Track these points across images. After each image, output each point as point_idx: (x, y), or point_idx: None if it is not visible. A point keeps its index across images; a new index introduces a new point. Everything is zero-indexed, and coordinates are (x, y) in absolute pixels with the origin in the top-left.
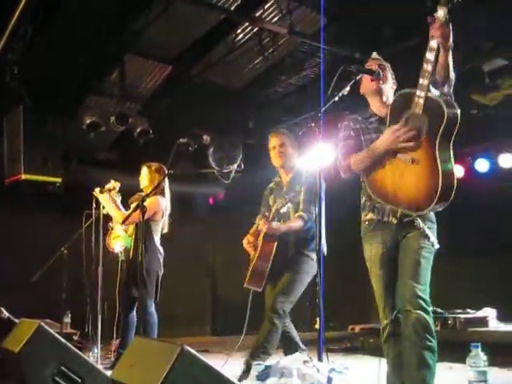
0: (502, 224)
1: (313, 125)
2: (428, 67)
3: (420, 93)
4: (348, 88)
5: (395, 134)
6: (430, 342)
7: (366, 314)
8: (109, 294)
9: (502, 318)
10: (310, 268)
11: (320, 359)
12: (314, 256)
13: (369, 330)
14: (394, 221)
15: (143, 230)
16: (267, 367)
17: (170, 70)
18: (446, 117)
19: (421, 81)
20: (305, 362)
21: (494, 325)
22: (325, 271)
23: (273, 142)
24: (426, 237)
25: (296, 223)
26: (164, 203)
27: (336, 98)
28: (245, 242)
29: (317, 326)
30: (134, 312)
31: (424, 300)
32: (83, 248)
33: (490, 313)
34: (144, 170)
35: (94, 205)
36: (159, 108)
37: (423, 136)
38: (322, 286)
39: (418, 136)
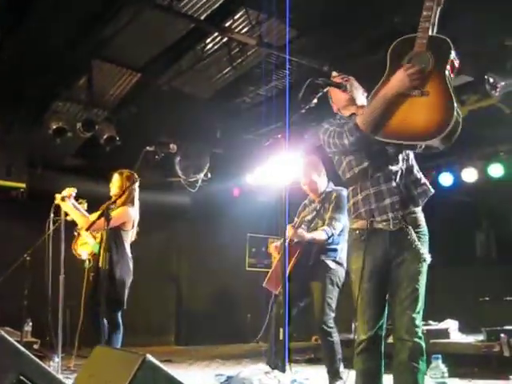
0: (464, 238)
1: (279, 136)
2: (428, 12)
3: (423, 34)
4: (315, 100)
5: (406, 73)
6: (423, 365)
7: None
8: (71, 302)
9: (463, 329)
10: (335, 276)
11: (283, 370)
12: (334, 264)
13: None
14: (388, 227)
15: (108, 239)
16: (229, 378)
17: (138, 78)
18: (452, 47)
19: (422, 24)
20: (266, 372)
21: (456, 336)
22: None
23: (301, 182)
24: (421, 258)
25: (319, 235)
26: (134, 213)
27: (303, 110)
28: (272, 246)
29: (281, 337)
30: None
31: (419, 327)
32: (46, 255)
33: (451, 324)
34: (115, 177)
35: (52, 212)
36: (127, 115)
37: (430, 70)
38: (286, 297)
39: (424, 71)
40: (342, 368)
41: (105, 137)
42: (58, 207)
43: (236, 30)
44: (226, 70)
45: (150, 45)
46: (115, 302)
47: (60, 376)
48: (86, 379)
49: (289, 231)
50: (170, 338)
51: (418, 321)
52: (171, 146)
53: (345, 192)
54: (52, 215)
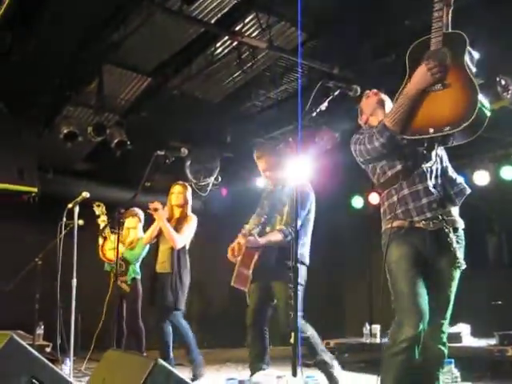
0: (476, 241)
1: (290, 139)
2: (439, 13)
3: (436, 33)
4: (326, 104)
5: (426, 68)
6: (441, 373)
7: (341, 329)
8: (82, 305)
9: (475, 333)
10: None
11: (294, 374)
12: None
13: (344, 345)
14: (427, 226)
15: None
16: (240, 382)
17: (148, 82)
18: (467, 40)
19: (435, 25)
20: (278, 377)
21: (468, 340)
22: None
23: (259, 165)
24: (457, 263)
25: (275, 236)
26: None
27: (314, 114)
28: (229, 251)
29: (292, 341)
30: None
31: (445, 333)
32: (57, 259)
33: (463, 328)
34: (178, 188)
35: (65, 216)
36: (137, 119)
37: (449, 63)
38: (296, 300)
39: (444, 66)
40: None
41: (115, 141)
42: (70, 211)
43: (246, 34)
44: (237, 74)
45: (160, 49)
46: (179, 305)
47: (72, 379)
48: (98, 382)
49: (240, 239)
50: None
51: (445, 327)
52: (182, 149)
53: (305, 187)
54: (64, 219)
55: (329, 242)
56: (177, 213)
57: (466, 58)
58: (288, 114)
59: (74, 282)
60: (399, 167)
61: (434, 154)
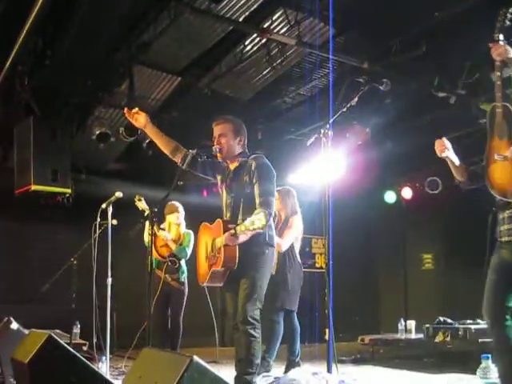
0: None
1: (321, 135)
2: (498, 82)
3: (497, 104)
4: (356, 99)
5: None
6: None
7: (376, 325)
8: (117, 304)
9: None
10: (265, 261)
11: (329, 371)
12: (267, 248)
13: (379, 341)
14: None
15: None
16: (276, 378)
17: (178, 82)
18: None
19: (496, 94)
20: (314, 373)
21: None
22: (334, 282)
23: (214, 131)
24: None
25: (260, 224)
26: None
27: (344, 109)
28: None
29: (326, 337)
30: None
31: None
32: (93, 259)
33: None
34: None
35: (99, 216)
36: (168, 119)
37: (506, 139)
38: (331, 297)
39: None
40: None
41: (147, 141)
42: (103, 211)
43: (275, 31)
44: (266, 71)
45: (190, 48)
46: (288, 306)
47: (109, 377)
48: (135, 380)
49: (224, 240)
50: (215, 338)
51: None
52: (213, 148)
53: (263, 158)
54: (98, 219)
55: (362, 237)
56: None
57: None
58: (318, 110)
59: (109, 281)
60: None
61: None
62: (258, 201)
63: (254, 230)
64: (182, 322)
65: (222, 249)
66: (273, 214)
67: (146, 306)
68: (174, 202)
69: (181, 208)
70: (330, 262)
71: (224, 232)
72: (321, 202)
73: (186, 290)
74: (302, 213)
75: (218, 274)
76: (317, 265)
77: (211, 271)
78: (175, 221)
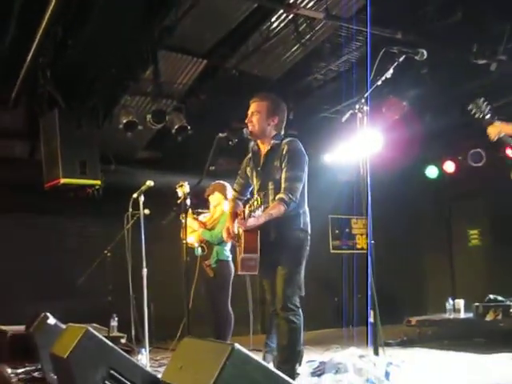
0: None
1: (357, 111)
2: None
3: None
4: (391, 71)
5: None
6: None
7: (423, 305)
8: (154, 295)
9: None
10: (301, 247)
11: (376, 353)
12: (300, 234)
13: (426, 322)
14: None
15: None
16: (321, 363)
17: (204, 64)
18: None
19: None
20: (361, 356)
21: None
22: (377, 262)
23: (250, 109)
24: None
25: (276, 209)
26: None
27: (379, 82)
28: (225, 233)
29: (371, 319)
30: None
31: None
32: (126, 250)
33: None
34: None
35: (131, 206)
36: (196, 103)
37: None
38: (371, 278)
39: None
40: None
41: (176, 127)
42: (135, 201)
43: (301, 5)
44: (295, 48)
45: (214, 30)
46: None
47: (149, 369)
48: (175, 371)
49: (238, 224)
50: (257, 326)
51: None
52: (244, 130)
53: (297, 143)
54: (130, 209)
55: (404, 215)
56: None
57: None
58: (352, 85)
59: (145, 271)
60: None
61: None
62: (282, 186)
63: (267, 215)
64: (226, 310)
65: (242, 234)
66: (296, 201)
67: (184, 296)
68: (219, 182)
69: (225, 189)
70: (371, 242)
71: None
72: (359, 181)
73: (226, 275)
74: (340, 192)
75: (246, 261)
76: (358, 246)
77: (239, 259)
78: (215, 201)
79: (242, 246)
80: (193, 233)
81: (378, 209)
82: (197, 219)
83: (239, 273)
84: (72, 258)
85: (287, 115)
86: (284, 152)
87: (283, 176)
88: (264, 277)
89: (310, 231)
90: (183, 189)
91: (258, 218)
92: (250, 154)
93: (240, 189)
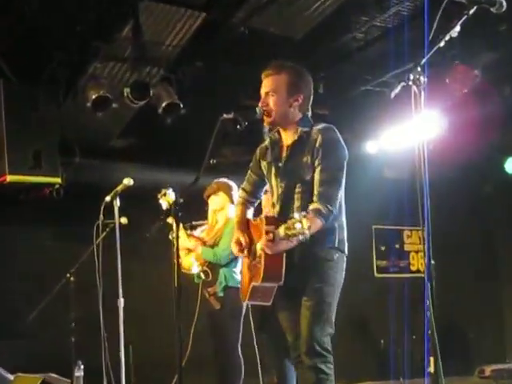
0: None
1: (411, 83)
2: None
3: None
4: (458, 28)
5: None
6: None
7: (501, 352)
8: (133, 333)
9: None
10: (335, 271)
11: None
12: (334, 254)
13: (505, 372)
14: None
15: None
16: None
17: (203, 18)
18: None
19: None
20: None
21: None
22: (438, 292)
23: (262, 86)
24: None
25: (314, 225)
26: None
27: (441, 43)
28: (235, 247)
29: (431, 370)
30: None
31: None
32: (97, 272)
33: None
34: None
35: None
36: (191, 72)
37: None
38: (427, 313)
39: None
40: None
41: (163, 104)
42: (109, 206)
43: None
44: None
45: None
46: None
47: None
48: None
49: (262, 243)
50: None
51: None
52: (257, 109)
53: (335, 132)
54: (101, 217)
55: (477, 223)
56: None
57: None
58: (403, 47)
59: (121, 302)
60: None
61: None
62: (316, 191)
63: (293, 235)
64: (235, 354)
65: (263, 256)
66: (335, 213)
67: (177, 334)
68: (220, 180)
69: (230, 188)
70: (431, 262)
71: (266, 233)
72: (413, 179)
73: (235, 306)
74: (387, 195)
75: (260, 290)
76: (412, 267)
77: (251, 286)
78: (217, 205)
79: (261, 271)
80: (189, 255)
81: (440, 217)
82: (192, 235)
83: (246, 302)
84: (22, 283)
85: (315, 89)
86: (317, 144)
87: (317, 177)
88: (281, 308)
89: (346, 251)
90: (167, 198)
91: (291, 238)
92: (267, 143)
93: (251, 189)
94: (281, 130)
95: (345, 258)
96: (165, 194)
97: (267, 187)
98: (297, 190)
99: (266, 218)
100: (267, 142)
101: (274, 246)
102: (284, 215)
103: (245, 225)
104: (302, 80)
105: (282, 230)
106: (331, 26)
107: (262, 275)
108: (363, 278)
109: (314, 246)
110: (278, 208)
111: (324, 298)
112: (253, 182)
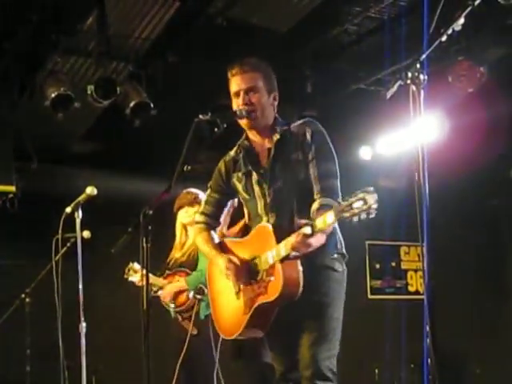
0: None
1: (409, 81)
2: None
3: None
4: (462, 20)
5: None
6: None
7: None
8: (97, 362)
9: None
10: (339, 281)
11: None
12: (338, 261)
13: None
14: None
15: None
16: None
17: (176, 7)
18: None
19: None
20: None
21: None
22: (440, 316)
23: (235, 83)
24: None
25: (316, 241)
26: None
27: (443, 37)
28: (229, 269)
29: None
30: None
31: None
32: (56, 293)
33: None
34: None
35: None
36: (163, 68)
37: None
38: (427, 339)
39: None
40: None
41: (132, 104)
42: (69, 218)
43: None
44: None
45: None
46: None
47: None
48: None
49: (292, 241)
50: None
51: None
52: (242, 110)
53: (318, 124)
54: (60, 231)
55: (484, 241)
56: None
57: None
58: (400, 42)
59: (83, 326)
60: None
61: None
62: (317, 187)
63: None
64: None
65: (279, 267)
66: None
67: (143, 366)
68: (190, 190)
69: (199, 199)
70: (430, 282)
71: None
72: (410, 189)
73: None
74: (382, 206)
75: (265, 310)
76: (410, 288)
77: (256, 306)
78: (187, 219)
79: (279, 282)
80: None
81: (442, 231)
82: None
83: (235, 336)
84: None
85: (302, 87)
86: (307, 138)
87: (314, 172)
88: (273, 334)
89: (347, 255)
90: (136, 276)
91: (319, 235)
92: (233, 153)
93: (213, 211)
94: (252, 134)
95: (345, 266)
96: (133, 271)
97: (234, 204)
98: (291, 191)
99: (274, 225)
100: (233, 152)
101: (308, 245)
102: (284, 221)
103: (221, 248)
104: (274, 78)
105: (320, 222)
106: (320, 18)
107: (280, 287)
108: (355, 300)
109: (317, 253)
110: (272, 217)
111: (327, 312)
112: (215, 203)
